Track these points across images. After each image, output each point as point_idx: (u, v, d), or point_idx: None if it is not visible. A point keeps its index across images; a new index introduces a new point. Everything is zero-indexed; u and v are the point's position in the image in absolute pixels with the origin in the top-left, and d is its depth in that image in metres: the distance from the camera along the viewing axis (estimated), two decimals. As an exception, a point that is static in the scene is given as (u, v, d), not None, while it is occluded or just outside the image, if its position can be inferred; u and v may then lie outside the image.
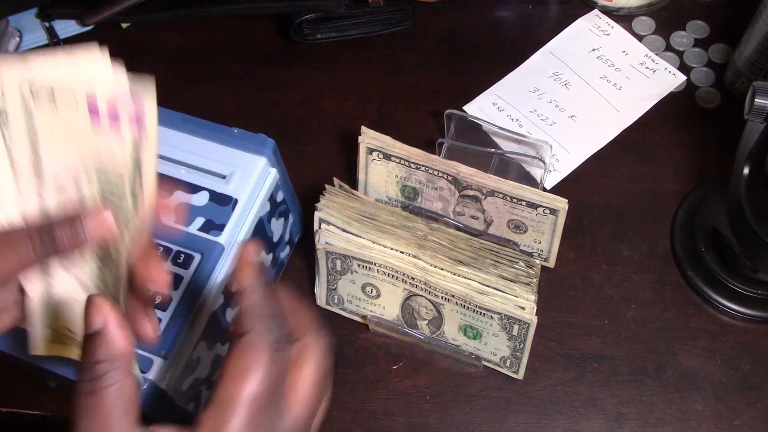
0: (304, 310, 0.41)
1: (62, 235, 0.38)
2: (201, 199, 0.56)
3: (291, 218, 0.64)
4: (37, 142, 0.39)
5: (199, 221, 0.55)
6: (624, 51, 0.78)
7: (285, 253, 0.66)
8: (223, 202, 0.56)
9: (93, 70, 0.38)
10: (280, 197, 0.61)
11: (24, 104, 0.38)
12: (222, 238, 0.54)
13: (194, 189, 0.56)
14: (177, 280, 0.53)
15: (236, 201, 0.56)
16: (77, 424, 0.33)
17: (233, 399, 0.35)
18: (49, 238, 0.38)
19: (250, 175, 0.57)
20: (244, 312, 0.38)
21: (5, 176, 0.39)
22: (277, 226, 0.62)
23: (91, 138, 0.38)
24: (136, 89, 0.37)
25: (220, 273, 0.54)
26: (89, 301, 0.34)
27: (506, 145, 0.71)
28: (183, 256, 0.53)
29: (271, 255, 0.62)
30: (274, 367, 0.36)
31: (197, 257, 0.53)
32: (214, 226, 0.55)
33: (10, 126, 0.38)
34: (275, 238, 0.62)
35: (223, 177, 0.57)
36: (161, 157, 0.58)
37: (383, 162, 0.63)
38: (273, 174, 0.58)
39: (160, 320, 0.51)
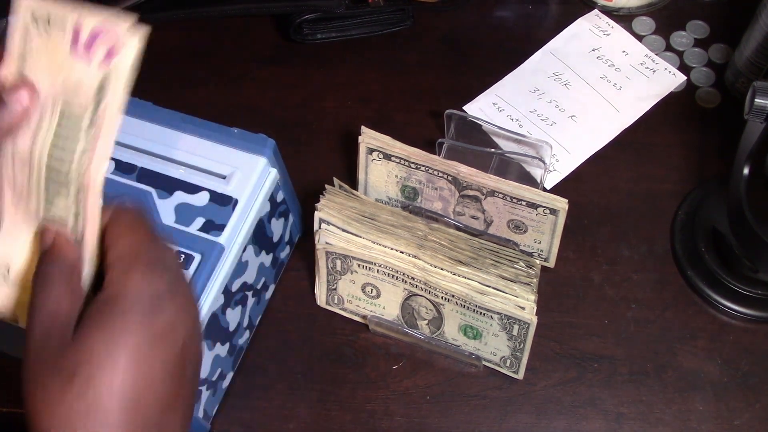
0: None
1: None
2: (201, 199, 0.56)
3: (291, 218, 0.64)
4: (24, 66, 0.41)
5: (199, 221, 0.55)
6: (624, 51, 0.78)
7: (285, 253, 0.66)
8: (224, 202, 0.55)
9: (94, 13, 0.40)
10: (280, 197, 0.61)
11: (26, 27, 0.41)
12: (222, 239, 0.54)
13: (194, 189, 0.56)
14: None
15: (236, 201, 0.56)
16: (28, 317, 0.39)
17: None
18: None
19: (251, 176, 0.57)
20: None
21: None
22: (277, 226, 0.62)
23: (66, 65, 0.40)
24: (121, 30, 0.39)
25: (220, 273, 0.54)
26: (42, 229, 0.40)
27: (506, 145, 0.71)
28: (183, 256, 0.53)
29: (271, 255, 0.62)
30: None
31: (197, 257, 0.53)
32: (214, 226, 0.55)
33: (12, 44, 0.41)
34: (275, 238, 0.62)
35: (223, 177, 0.57)
36: (161, 157, 0.58)
37: (383, 162, 0.63)
38: (273, 174, 0.58)
39: None
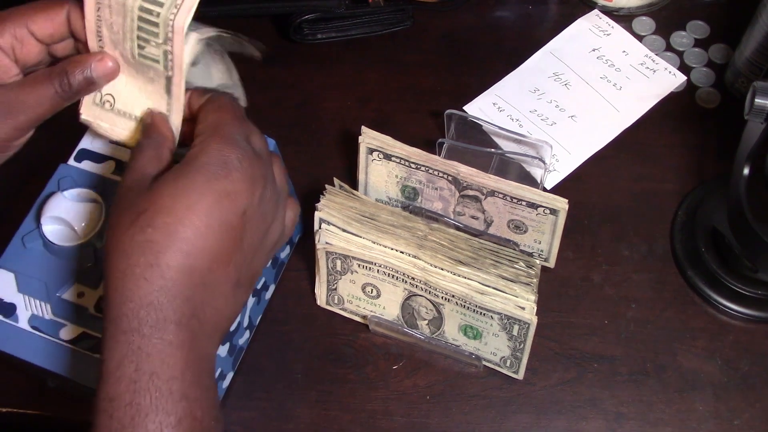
0: None
1: (77, 80, 0.50)
2: None
3: None
4: None
5: None
6: (624, 51, 0.78)
7: (285, 253, 0.66)
8: None
9: None
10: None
11: None
12: None
13: None
14: None
15: None
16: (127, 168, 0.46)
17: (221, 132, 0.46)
18: (67, 83, 0.49)
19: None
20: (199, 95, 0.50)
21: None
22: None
23: None
24: None
25: None
26: (148, 111, 0.50)
27: (506, 145, 0.71)
28: None
29: None
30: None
31: None
32: None
33: None
34: None
35: None
36: None
37: (383, 162, 0.63)
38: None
39: None
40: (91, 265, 0.56)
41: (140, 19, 0.48)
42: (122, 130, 0.53)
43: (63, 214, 0.55)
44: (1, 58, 0.49)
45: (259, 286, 0.62)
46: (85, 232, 0.56)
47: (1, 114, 0.49)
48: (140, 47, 0.49)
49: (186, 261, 0.42)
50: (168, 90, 0.50)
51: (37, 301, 0.55)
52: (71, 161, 0.59)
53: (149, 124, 0.50)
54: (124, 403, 0.40)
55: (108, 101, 0.53)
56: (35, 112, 0.50)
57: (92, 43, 0.51)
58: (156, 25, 0.48)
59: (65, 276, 0.56)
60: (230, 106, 0.48)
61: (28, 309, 0.55)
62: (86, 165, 0.59)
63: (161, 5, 0.48)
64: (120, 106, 0.53)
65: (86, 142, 0.60)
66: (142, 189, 0.44)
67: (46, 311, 0.55)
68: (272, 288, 0.65)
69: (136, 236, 0.42)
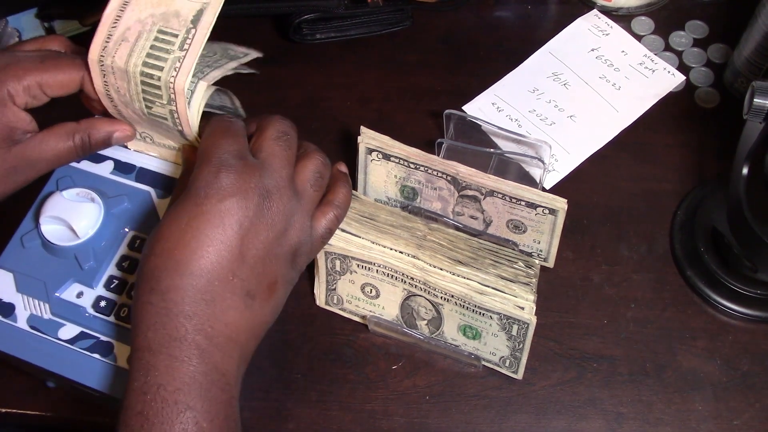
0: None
1: (96, 140, 0.55)
2: None
3: None
4: (129, 0, 0.52)
5: None
6: (623, 51, 0.78)
7: None
8: None
9: None
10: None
11: None
12: None
13: None
14: None
15: None
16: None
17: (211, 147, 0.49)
18: (88, 143, 0.55)
19: None
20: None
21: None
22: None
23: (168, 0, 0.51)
24: None
25: None
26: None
27: (505, 145, 0.71)
28: None
29: None
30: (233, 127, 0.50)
31: None
32: None
33: None
34: None
35: None
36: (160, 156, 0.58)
37: (382, 162, 0.63)
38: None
39: None
40: (89, 264, 0.56)
41: (143, 83, 0.51)
42: (169, 155, 0.59)
43: (61, 214, 0.56)
44: (17, 113, 0.53)
45: None
46: (83, 231, 0.56)
47: (26, 169, 0.53)
48: (148, 107, 0.53)
49: (183, 281, 0.45)
50: (183, 137, 0.54)
51: (36, 301, 0.55)
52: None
53: (184, 161, 0.55)
54: (135, 412, 0.43)
55: (147, 138, 0.58)
56: (50, 165, 0.55)
57: (106, 103, 0.54)
58: (158, 87, 0.51)
59: (64, 275, 0.56)
60: (219, 130, 0.50)
61: (26, 309, 0.55)
62: (85, 165, 0.60)
63: (161, 69, 0.50)
64: (158, 140, 0.57)
65: None
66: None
67: (44, 311, 0.55)
68: None
69: (143, 266, 0.47)
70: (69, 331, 0.55)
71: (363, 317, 0.64)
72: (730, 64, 0.74)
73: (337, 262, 0.60)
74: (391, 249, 0.58)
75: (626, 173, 0.71)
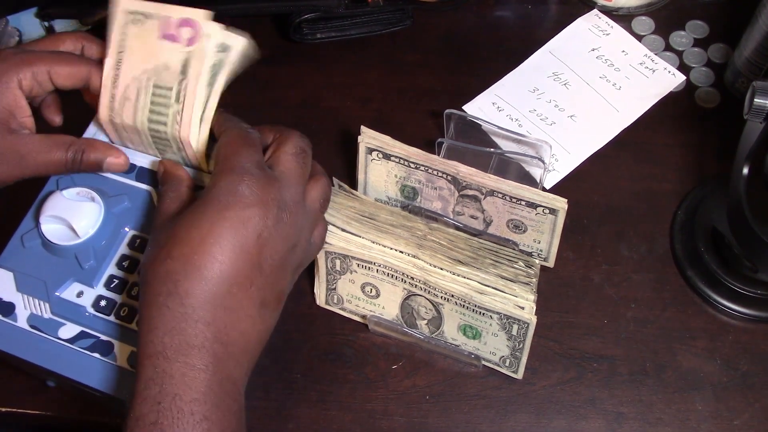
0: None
1: (88, 159, 0.55)
2: None
3: None
4: (122, 54, 0.54)
5: None
6: (623, 51, 0.78)
7: None
8: None
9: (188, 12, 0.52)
10: None
11: (123, 21, 0.53)
12: None
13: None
14: None
15: None
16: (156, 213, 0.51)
17: (234, 166, 0.48)
18: (80, 160, 0.54)
19: None
20: (219, 126, 0.53)
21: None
22: None
23: (157, 50, 0.52)
24: (201, 19, 0.52)
25: None
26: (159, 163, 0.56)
27: (506, 145, 0.71)
28: None
29: None
30: (251, 140, 0.50)
31: None
32: None
33: (110, 44, 0.54)
34: None
35: None
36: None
37: (383, 162, 0.63)
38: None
39: None
40: (90, 264, 0.56)
41: (153, 136, 0.55)
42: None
43: (62, 213, 0.55)
44: (19, 100, 0.53)
45: None
46: (83, 231, 0.56)
47: (13, 162, 0.53)
48: (162, 152, 0.57)
49: (204, 287, 0.44)
50: (179, 150, 0.56)
51: (36, 300, 0.55)
52: None
53: (163, 173, 0.54)
54: (148, 422, 0.42)
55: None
56: (38, 170, 0.54)
57: (123, 149, 0.58)
58: (167, 139, 0.54)
59: (64, 275, 0.56)
60: (239, 138, 0.50)
61: (27, 308, 0.55)
62: None
63: (165, 124, 0.53)
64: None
65: None
66: (166, 226, 0.48)
67: (45, 310, 0.55)
68: None
69: (158, 268, 0.45)
70: (69, 330, 0.55)
71: (363, 317, 0.64)
72: (730, 64, 0.74)
73: (338, 262, 0.60)
74: (391, 248, 0.58)
75: (626, 173, 0.71)
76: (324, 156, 0.72)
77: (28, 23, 0.81)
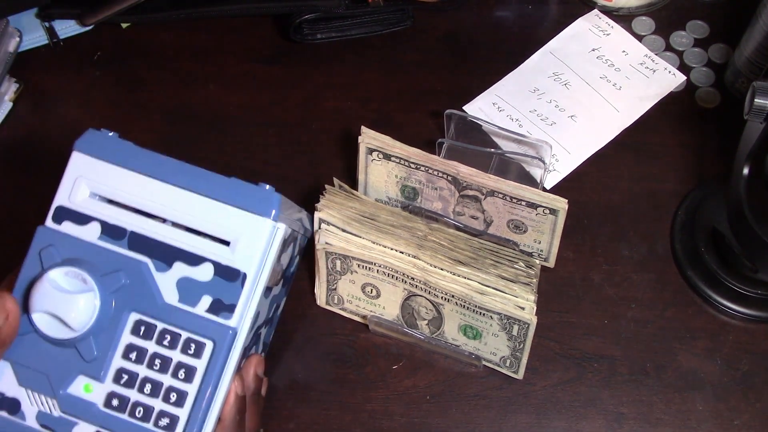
0: None
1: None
2: (205, 273, 0.50)
3: (299, 239, 0.59)
4: None
5: (206, 301, 0.50)
6: (624, 51, 0.78)
7: (294, 266, 0.64)
8: (231, 277, 0.50)
9: None
10: (288, 239, 0.55)
11: None
12: (233, 321, 0.49)
13: (196, 260, 0.50)
14: (190, 371, 0.49)
15: (245, 275, 0.50)
16: None
17: None
18: None
19: (257, 242, 0.50)
20: None
21: None
22: (285, 257, 0.56)
23: None
24: None
25: (234, 354, 0.50)
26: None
27: (506, 145, 0.71)
28: (194, 345, 0.49)
29: (281, 285, 0.60)
30: None
31: (209, 345, 0.49)
32: (223, 306, 0.49)
33: None
34: (286, 270, 0.59)
35: (227, 244, 0.50)
36: (152, 216, 0.51)
37: (383, 162, 0.63)
38: (281, 231, 0.51)
39: (177, 418, 0.49)
40: (93, 356, 0.50)
41: None
42: None
43: (53, 309, 0.49)
44: None
45: (271, 314, 0.59)
46: (80, 325, 0.49)
47: None
48: None
49: None
50: None
51: (43, 396, 0.51)
52: (49, 222, 0.52)
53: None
54: None
55: None
56: None
57: None
58: None
59: (68, 368, 0.50)
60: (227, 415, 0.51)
61: (33, 404, 0.51)
62: (67, 227, 0.52)
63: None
64: None
65: (62, 198, 0.52)
66: None
67: (53, 407, 0.51)
68: (283, 302, 0.62)
69: None
70: (84, 430, 0.50)
71: (363, 317, 0.64)
72: (730, 64, 0.74)
73: (338, 262, 0.60)
74: (391, 249, 0.58)
75: (627, 173, 0.71)
76: (324, 156, 0.73)
77: (28, 24, 0.81)
